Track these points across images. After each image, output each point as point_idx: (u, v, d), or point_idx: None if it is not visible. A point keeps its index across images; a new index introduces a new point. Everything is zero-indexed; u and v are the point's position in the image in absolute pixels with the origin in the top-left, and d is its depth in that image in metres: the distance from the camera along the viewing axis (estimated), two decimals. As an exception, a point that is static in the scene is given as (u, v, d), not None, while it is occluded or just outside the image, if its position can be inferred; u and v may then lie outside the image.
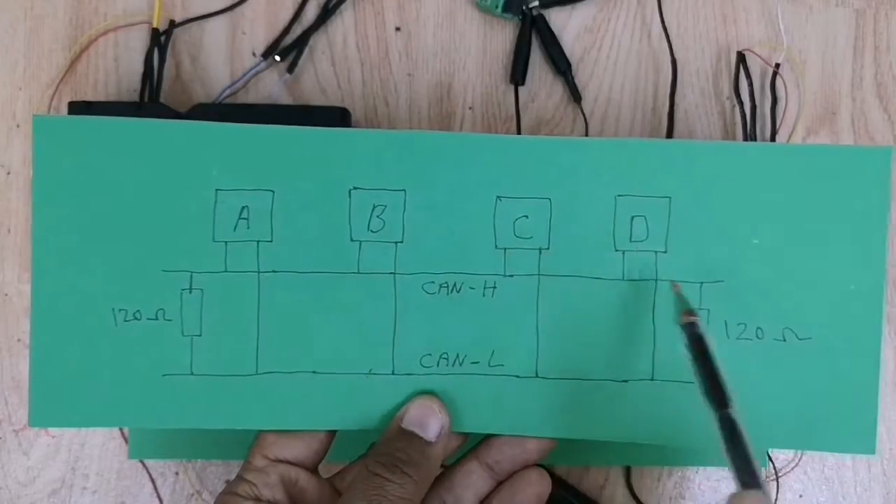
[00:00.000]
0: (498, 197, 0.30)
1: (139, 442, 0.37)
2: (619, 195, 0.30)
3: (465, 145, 0.30)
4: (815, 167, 0.30)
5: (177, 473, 0.38)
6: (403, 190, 0.29)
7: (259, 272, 0.29)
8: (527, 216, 0.30)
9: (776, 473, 0.37)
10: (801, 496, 0.38)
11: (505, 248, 0.30)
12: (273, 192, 0.29)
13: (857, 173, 0.30)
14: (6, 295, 0.38)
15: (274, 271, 0.30)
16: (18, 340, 0.38)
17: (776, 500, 0.37)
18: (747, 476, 0.24)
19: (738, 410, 0.25)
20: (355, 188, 0.29)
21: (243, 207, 0.29)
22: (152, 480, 0.37)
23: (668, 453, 0.38)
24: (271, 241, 0.29)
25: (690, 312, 0.28)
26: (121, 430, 0.37)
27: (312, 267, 0.30)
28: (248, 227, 0.29)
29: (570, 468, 0.38)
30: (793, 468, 0.38)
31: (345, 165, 0.29)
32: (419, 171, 0.29)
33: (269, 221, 0.29)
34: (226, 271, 0.29)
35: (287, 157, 0.29)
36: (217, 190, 0.29)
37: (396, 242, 0.30)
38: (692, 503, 0.38)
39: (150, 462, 0.37)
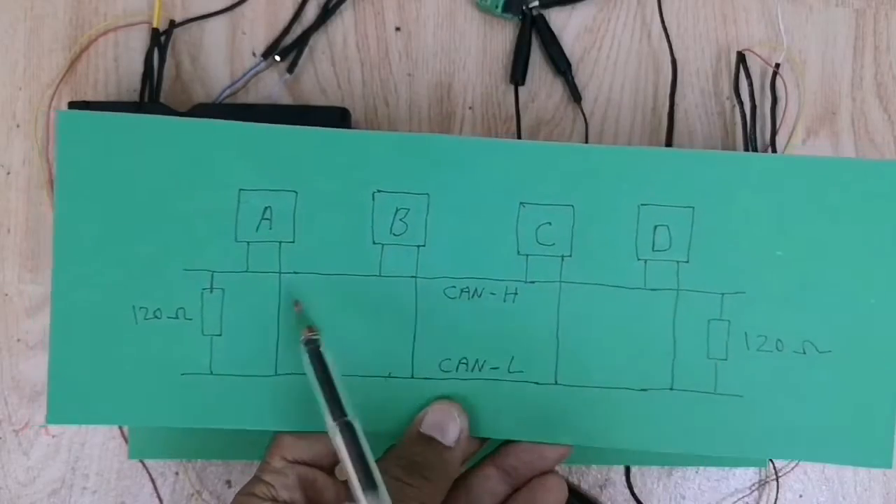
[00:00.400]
0: (521, 203, 0.30)
1: (139, 442, 0.37)
2: (642, 204, 0.30)
3: (489, 151, 0.30)
4: (838, 180, 0.30)
5: (177, 473, 0.38)
6: (427, 194, 0.30)
7: (280, 273, 0.30)
8: (550, 223, 0.30)
9: (776, 473, 0.37)
10: (801, 496, 0.38)
11: (527, 255, 0.30)
12: (296, 193, 0.29)
13: (880, 187, 0.30)
14: (6, 295, 0.38)
15: (295, 272, 0.30)
16: (18, 340, 0.38)
17: (776, 500, 0.38)
18: (366, 479, 0.26)
19: (354, 418, 0.27)
20: (379, 191, 0.29)
21: (266, 208, 0.29)
22: (152, 480, 0.37)
23: (668, 453, 0.38)
24: (293, 242, 0.29)
25: (312, 329, 0.28)
26: (121, 430, 0.37)
27: (334, 269, 0.30)
28: (270, 228, 0.29)
29: (570, 468, 0.38)
30: (793, 468, 0.38)
31: (369, 168, 0.29)
32: (443, 175, 0.30)
33: (291, 222, 0.29)
34: (247, 271, 0.29)
35: (311, 158, 0.29)
36: (240, 190, 0.29)
37: (419, 246, 0.30)
38: (692, 503, 0.38)
39: (150, 462, 0.37)
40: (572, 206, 0.30)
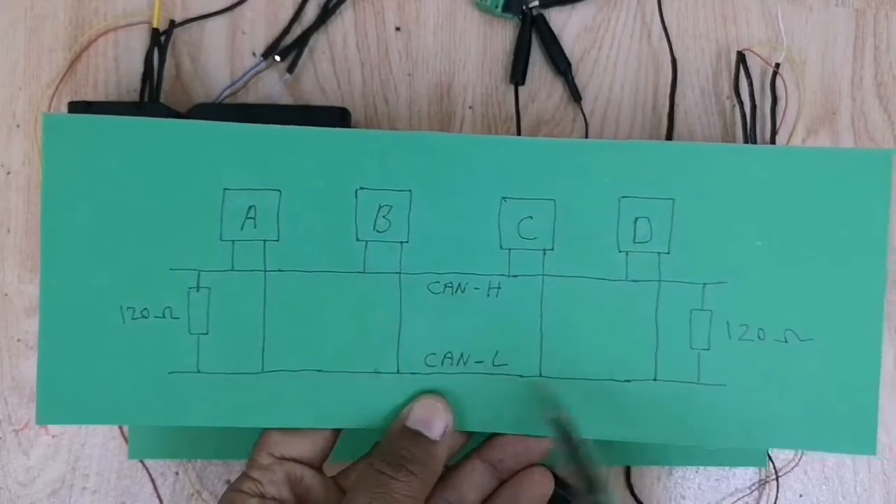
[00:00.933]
0: (503, 198, 0.30)
1: (139, 442, 0.37)
2: (622, 197, 0.30)
3: (470, 146, 0.30)
4: (817, 170, 0.30)
5: (177, 473, 0.38)
6: (409, 190, 0.30)
7: (265, 271, 0.30)
8: (531, 217, 0.30)
9: (776, 473, 0.37)
10: (801, 496, 0.38)
11: (510, 249, 0.30)
12: (280, 191, 0.29)
13: (858, 176, 0.30)
14: (6, 295, 0.38)
15: (280, 270, 0.30)
16: (18, 340, 0.38)
17: (776, 499, 0.37)
18: None
19: (610, 493, 0.26)
20: (361, 188, 0.30)
21: (250, 207, 0.29)
22: (152, 480, 0.37)
23: (668, 453, 0.38)
24: (278, 241, 0.30)
25: (557, 408, 0.29)
26: (121, 430, 0.37)
27: (318, 266, 0.30)
28: (255, 227, 0.30)
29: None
30: (793, 468, 0.38)
31: (351, 166, 0.30)
32: (425, 171, 0.30)
33: (275, 221, 0.30)
34: (232, 270, 0.30)
35: (294, 156, 0.30)
36: (225, 189, 0.29)
37: (402, 242, 0.30)
38: (692, 503, 0.38)
39: (150, 462, 0.37)
40: (554, 200, 0.30)
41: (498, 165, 0.30)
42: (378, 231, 0.30)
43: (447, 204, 0.30)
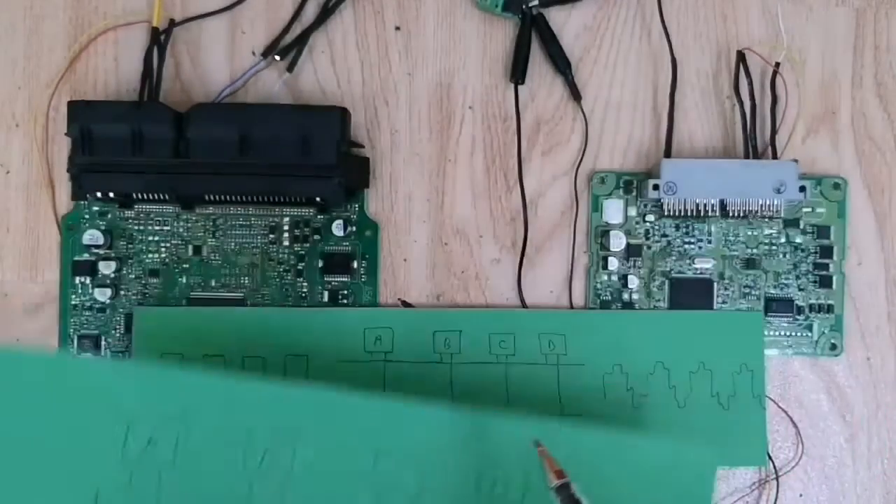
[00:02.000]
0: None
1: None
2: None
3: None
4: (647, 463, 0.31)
5: None
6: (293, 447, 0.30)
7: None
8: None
9: (776, 473, 0.37)
10: (801, 496, 0.38)
11: None
12: (181, 427, 0.30)
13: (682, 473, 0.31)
14: (6, 295, 0.38)
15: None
16: (18, 340, 0.38)
17: (776, 499, 0.37)
18: None
19: None
20: (252, 428, 0.30)
21: (149, 439, 0.30)
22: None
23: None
24: (175, 471, 0.30)
25: (561, 473, 0.27)
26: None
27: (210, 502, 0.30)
28: (153, 458, 0.30)
29: (569, 468, 0.38)
30: (793, 468, 0.38)
31: (247, 411, 0.30)
32: (311, 427, 0.30)
33: (173, 453, 0.30)
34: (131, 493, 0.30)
35: (195, 398, 0.30)
36: (127, 422, 0.30)
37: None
38: (692, 503, 0.38)
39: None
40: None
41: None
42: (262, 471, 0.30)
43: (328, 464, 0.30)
